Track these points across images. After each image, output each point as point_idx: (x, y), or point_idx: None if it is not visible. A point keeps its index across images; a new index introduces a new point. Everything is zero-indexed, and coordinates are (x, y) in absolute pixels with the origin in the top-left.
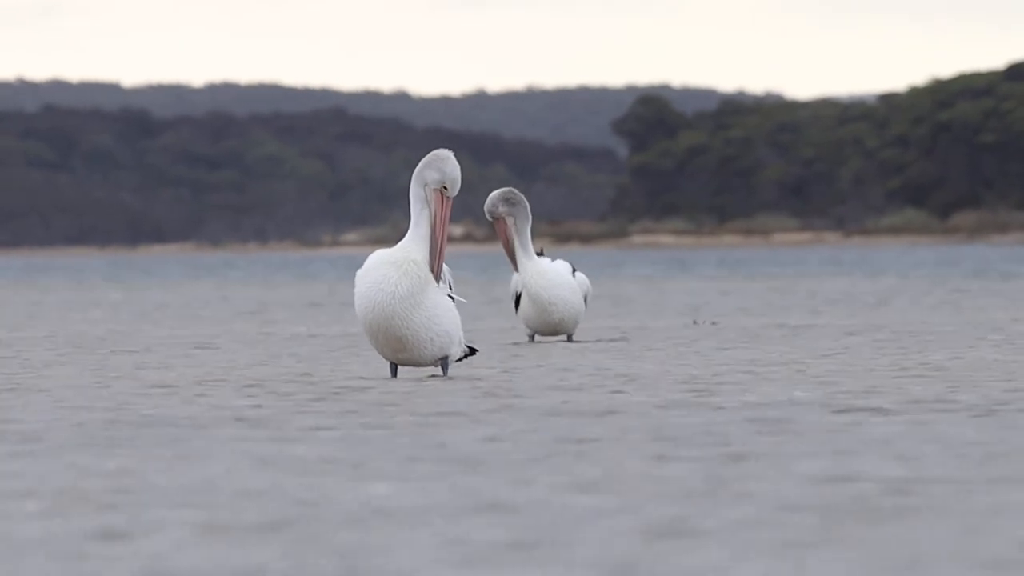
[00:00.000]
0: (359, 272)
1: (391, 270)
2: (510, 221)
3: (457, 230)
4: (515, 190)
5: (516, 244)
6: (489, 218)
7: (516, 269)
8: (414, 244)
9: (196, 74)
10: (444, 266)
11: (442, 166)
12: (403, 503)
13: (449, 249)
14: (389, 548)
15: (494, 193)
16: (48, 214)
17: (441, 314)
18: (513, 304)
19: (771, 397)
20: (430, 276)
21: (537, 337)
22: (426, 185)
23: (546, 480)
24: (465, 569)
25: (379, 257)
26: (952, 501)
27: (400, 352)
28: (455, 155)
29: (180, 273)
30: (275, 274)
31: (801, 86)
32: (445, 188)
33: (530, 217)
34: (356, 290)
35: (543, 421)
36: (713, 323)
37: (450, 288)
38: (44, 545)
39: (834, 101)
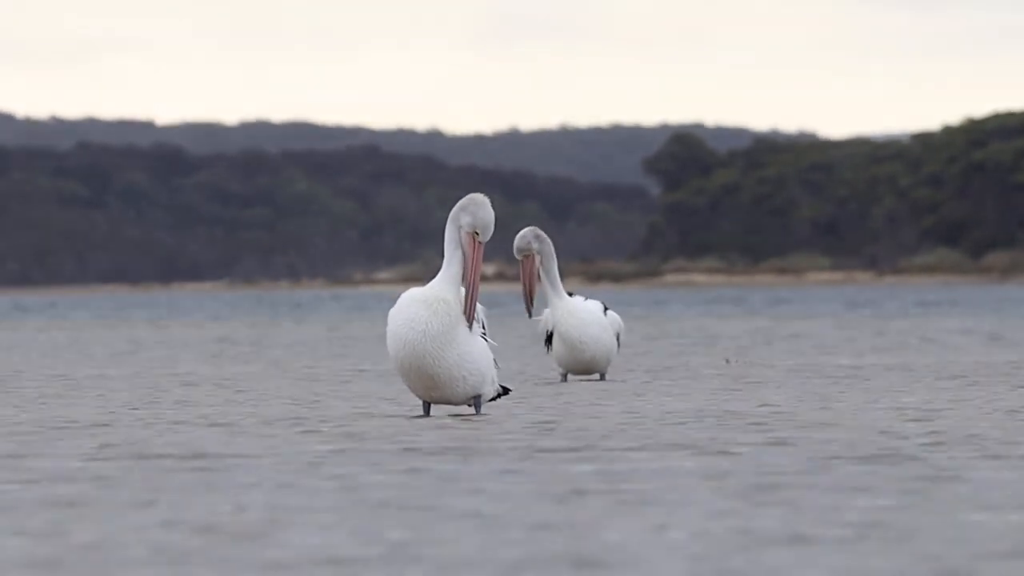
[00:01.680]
0: (391, 311)
1: (421, 309)
2: (538, 258)
3: (489, 269)
4: (539, 229)
5: (545, 283)
6: (518, 255)
7: (529, 313)
8: (445, 283)
9: (229, 112)
10: (478, 305)
11: (476, 210)
12: None
13: (480, 287)
14: None
15: (525, 230)
16: (81, 252)
17: (474, 353)
18: (544, 342)
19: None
20: (461, 315)
21: (570, 376)
22: (460, 227)
23: None
24: None
25: (410, 296)
26: None
27: (432, 390)
28: (491, 201)
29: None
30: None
31: (834, 125)
32: (477, 233)
33: (555, 256)
34: (388, 328)
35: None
36: (746, 361)
37: (483, 328)
38: None
39: (867, 140)
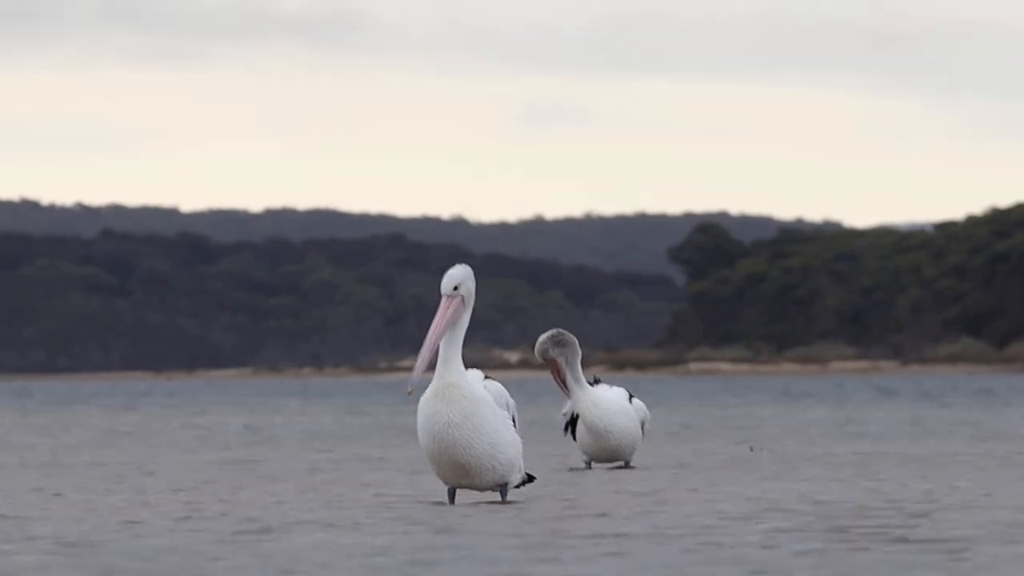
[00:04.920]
0: (421, 399)
1: (437, 403)
2: (562, 360)
3: (513, 356)
4: (562, 330)
5: (569, 378)
6: (541, 360)
7: (568, 396)
8: (444, 367)
9: (254, 200)
10: (509, 398)
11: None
12: None
13: (504, 375)
14: None
15: (543, 337)
16: (106, 339)
17: (504, 442)
18: (565, 426)
19: None
20: (483, 394)
21: (594, 464)
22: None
23: None
24: None
25: (425, 394)
26: None
27: (463, 478)
28: (476, 268)
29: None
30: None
31: (859, 214)
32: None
33: (579, 350)
34: (418, 418)
35: None
36: (771, 450)
37: (514, 421)
38: None
39: (892, 230)
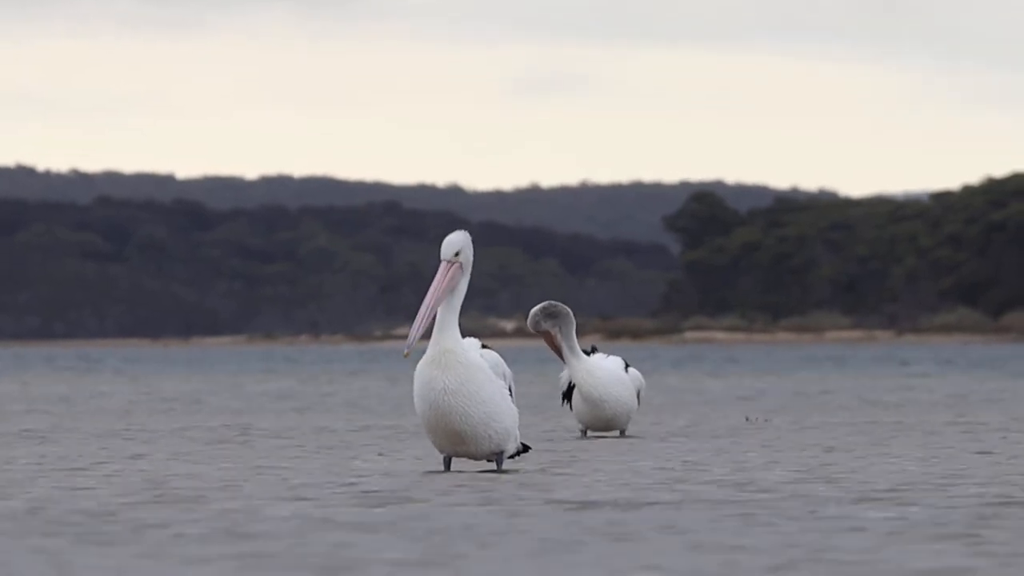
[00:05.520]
0: (418, 365)
1: (433, 369)
2: (555, 331)
3: (508, 325)
4: (554, 302)
5: (564, 347)
6: (534, 332)
7: (565, 362)
8: (441, 333)
9: (250, 167)
10: (506, 368)
11: None
12: None
13: (500, 343)
14: None
15: (534, 310)
16: (102, 305)
17: (500, 411)
18: (562, 395)
19: None
20: (479, 361)
21: (590, 433)
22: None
23: None
24: None
25: (422, 361)
26: None
27: (458, 445)
28: (475, 235)
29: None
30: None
31: (855, 184)
32: (457, 254)
33: (574, 320)
34: (414, 386)
35: None
36: (766, 420)
37: (510, 391)
38: None
39: (888, 199)
